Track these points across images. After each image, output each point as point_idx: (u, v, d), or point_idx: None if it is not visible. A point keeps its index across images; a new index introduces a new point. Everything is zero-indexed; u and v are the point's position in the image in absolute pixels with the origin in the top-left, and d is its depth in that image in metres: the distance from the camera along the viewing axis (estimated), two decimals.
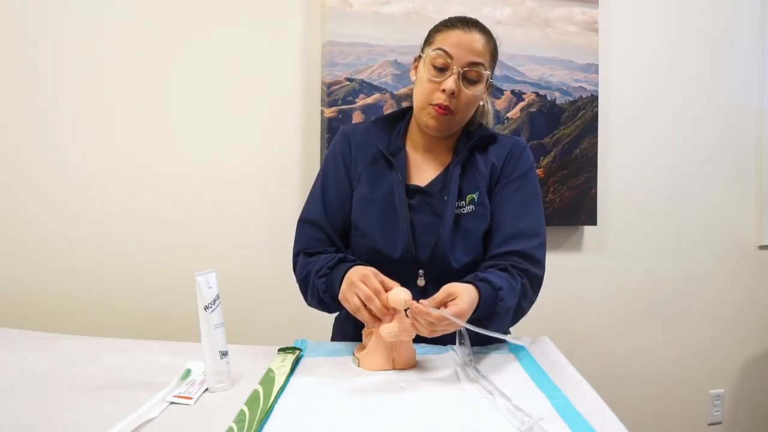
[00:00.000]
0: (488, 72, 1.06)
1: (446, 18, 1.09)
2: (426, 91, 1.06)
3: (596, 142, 1.97)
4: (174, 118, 1.72)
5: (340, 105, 1.74)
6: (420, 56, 1.10)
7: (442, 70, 1.04)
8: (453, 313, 0.86)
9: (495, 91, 1.87)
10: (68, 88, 1.66)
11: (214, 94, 1.74)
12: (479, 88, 1.06)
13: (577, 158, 1.96)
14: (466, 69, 1.04)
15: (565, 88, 1.94)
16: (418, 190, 1.10)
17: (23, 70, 1.64)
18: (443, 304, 0.89)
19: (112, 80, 1.68)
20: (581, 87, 1.96)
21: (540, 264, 1.07)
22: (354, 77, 1.75)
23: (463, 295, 0.89)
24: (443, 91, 1.03)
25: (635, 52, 2.07)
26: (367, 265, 0.99)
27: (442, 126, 1.08)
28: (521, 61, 1.90)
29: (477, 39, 1.05)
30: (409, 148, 1.15)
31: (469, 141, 1.12)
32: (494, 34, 1.09)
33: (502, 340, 1.12)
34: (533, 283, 1.05)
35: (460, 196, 1.08)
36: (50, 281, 1.66)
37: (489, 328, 0.90)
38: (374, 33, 1.76)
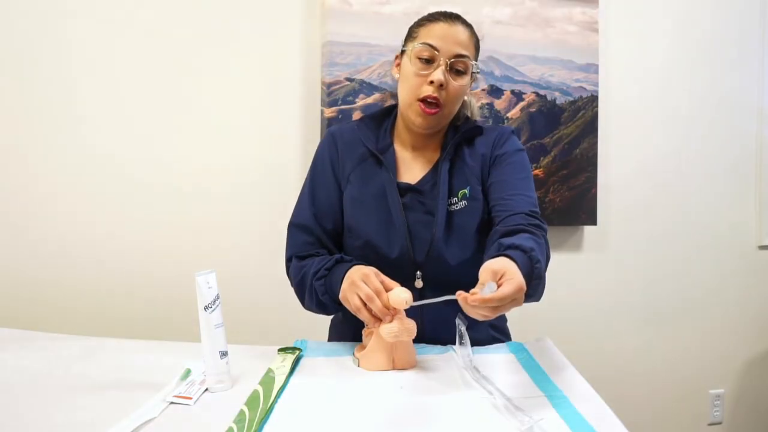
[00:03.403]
0: (474, 62, 1.07)
1: (427, 13, 1.09)
2: (413, 86, 1.05)
3: (596, 142, 1.97)
4: (174, 118, 1.72)
5: (340, 105, 1.74)
6: (402, 52, 1.09)
7: (428, 62, 1.04)
8: (514, 288, 0.77)
9: (495, 91, 1.87)
10: (68, 86, 1.66)
11: (214, 93, 1.74)
12: (466, 80, 1.06)
13: (577, 158, 1.96)
14: (452, 60, 1.03)
15: (565, 88, 1.94)
16: (409, 188, 1.09)
17: (23, 71, 1.63)
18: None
19: (112, 80, 1.68)
20: (581, 87, 1.96)
21: (544, 222, 1.03)
22: (354, 77, 1.75)
23: (510, 269, 0.80)
24: (431, 83, 1.03)
25: (635, 52, 2.07)
26: (366, 265, 0.99)
27: (430, 123, 1.07)
28: (521, 61, 1.90)
29: (461, 31, 1.05)
30: (397, 146, 1.14)
31: (455, 136, 1.11)
32: (476, 30, 1.09)
33: (502, 340, 1.13)
34: (546, 239, 0.99)
35: (451, 193, 1.07)
36: (50, 281, 1.65)
37: (533, 295, 0.86)
38: (374, 33, 1.76)
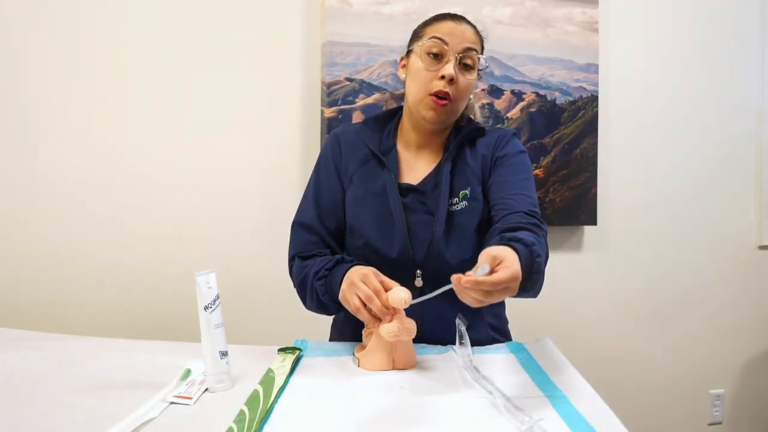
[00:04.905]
0: (482, 56, 1.08)
1: (431, 16, 1.11)
2: (424, 81, 1.06)
3: (596, 142, 1.97)
4: (174, 119, 1.72)
5: (340, 105, 1.74)
6: (409, 52, 1.11)
7: (438, 57, 1.05)
8: (509, 275, 0.76)
9: (495, 91, 1.87)
10: (67, 88, 1.66)
11: (214, 94, 1.74)
12: (474, 75, 1.08)
13: (577, 158, 1.96)
14: (461, 55, 1.05)
15: (565, 88, 1.94)
16: (410, 188, 1.10)
17: (21, 71, 1.64)
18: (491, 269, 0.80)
19: (112, 81, 1.68)
20: (581, 87, 1.96)
21: (544, 223, 1.03)
22: (354, 77, 1.75)
23: (509, 257, 0.80)
24: (442, 78, 1.04)
25: (635, 52, 2.07)
26: (366, 265, 0.99)
27: (441, 116, 1.08)
28: (521, 61, 1.90)
29: (468, 29, 1.07)
30: (400, 147, 1.15)
31: (458, 136, 1.12)
32: (481, 30, 1.11)
33: (502, 341, 1.13)
34: (545, 239, 0.99)
35: (453, 193, 1.08)
36: (50, 282, 1.66)
37: (530, 289, 0.86)
38: (374, 33, 1.76)
